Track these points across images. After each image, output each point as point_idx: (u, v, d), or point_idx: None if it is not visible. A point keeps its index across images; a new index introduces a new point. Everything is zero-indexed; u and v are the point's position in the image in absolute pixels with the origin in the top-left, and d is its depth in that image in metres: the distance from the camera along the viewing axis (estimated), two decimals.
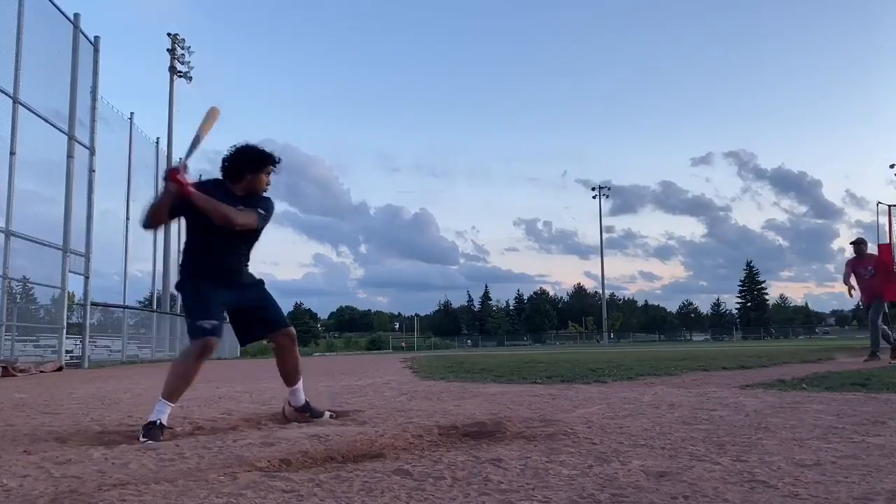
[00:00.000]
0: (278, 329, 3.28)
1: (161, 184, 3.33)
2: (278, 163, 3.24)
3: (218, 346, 3.05)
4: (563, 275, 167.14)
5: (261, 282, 3.36)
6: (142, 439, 2.69)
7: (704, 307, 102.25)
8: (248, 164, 3.14)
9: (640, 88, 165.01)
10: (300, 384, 3.35)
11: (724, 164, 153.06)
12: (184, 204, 3.00)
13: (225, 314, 3.20)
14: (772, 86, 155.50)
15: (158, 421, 2.79)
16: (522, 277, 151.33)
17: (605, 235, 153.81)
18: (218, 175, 3.20)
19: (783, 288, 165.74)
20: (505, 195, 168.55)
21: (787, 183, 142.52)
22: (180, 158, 3.14)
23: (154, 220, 3.10)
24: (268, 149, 3.22)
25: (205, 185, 3.18)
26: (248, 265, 3.30)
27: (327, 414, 3.36)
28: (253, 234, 3.22)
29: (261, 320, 3.27)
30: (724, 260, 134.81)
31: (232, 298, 3.17)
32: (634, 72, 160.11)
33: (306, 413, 3.30)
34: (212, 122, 3.20)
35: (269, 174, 3.23)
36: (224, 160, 3.16)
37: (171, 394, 2.88)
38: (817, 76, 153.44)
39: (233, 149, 3.19)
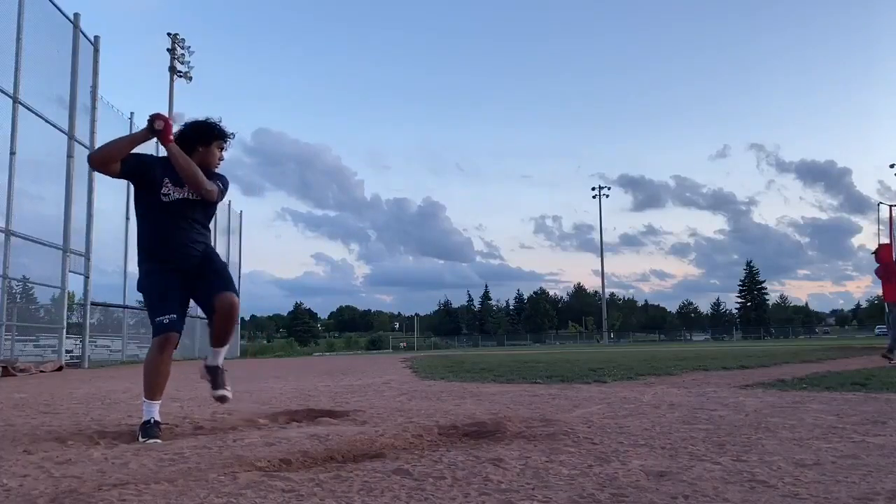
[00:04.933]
0: (223, 291, 3.05)
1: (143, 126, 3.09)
2: (229, 137, 3.23)
3: (176, 339, 2.98)
4: (578, 273, 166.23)
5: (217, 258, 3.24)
6: (141, 439, 2.72)
7: (704, 307, 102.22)
8: (199, 136, 3.14)
9: (664, 83, 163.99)
10: (223, 350, 3.23)
11: (746, 156, 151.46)
12: (143, 165, 3.00)
13: (187, 302, 3.13)
14: (797, 77, 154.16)
15: (151, 419, 2.83)
16: (532, 276, 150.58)
17: (626, 231, 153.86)
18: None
19: (798, 286, 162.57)
20: (519, 192, 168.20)
21: (815, 175, 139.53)
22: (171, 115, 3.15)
23: (109, 156, 2.98)
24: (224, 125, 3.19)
25: (160, 159, 3.15)
26: (207, 243, 3.18)
27: (224, 393, 3.18)
28: (209, 209, 3.18)
29: (209, 286, 3.08)
30: (739, 257, 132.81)
31: (192, 282, 3.09)
32: (657, 66, 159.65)
33: (208, 378, 3.21)
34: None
35: (221, 149, 3.21)
36: (177, 134, 3.13)
37: (151, 392, 2.91)
38: (842, 70, 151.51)
39: (185, 123, 3.19)
